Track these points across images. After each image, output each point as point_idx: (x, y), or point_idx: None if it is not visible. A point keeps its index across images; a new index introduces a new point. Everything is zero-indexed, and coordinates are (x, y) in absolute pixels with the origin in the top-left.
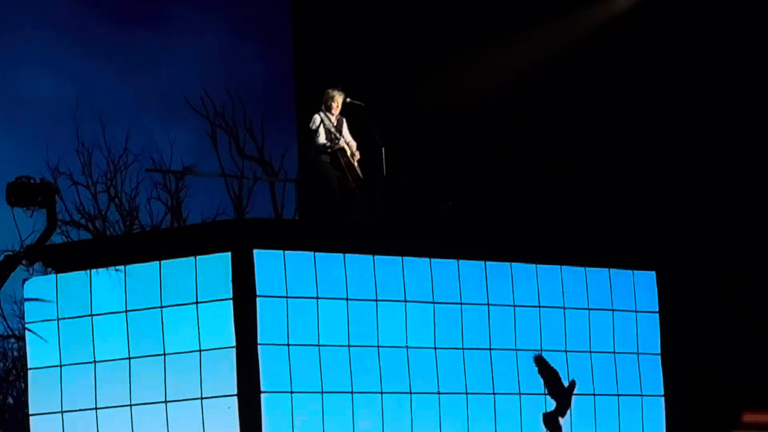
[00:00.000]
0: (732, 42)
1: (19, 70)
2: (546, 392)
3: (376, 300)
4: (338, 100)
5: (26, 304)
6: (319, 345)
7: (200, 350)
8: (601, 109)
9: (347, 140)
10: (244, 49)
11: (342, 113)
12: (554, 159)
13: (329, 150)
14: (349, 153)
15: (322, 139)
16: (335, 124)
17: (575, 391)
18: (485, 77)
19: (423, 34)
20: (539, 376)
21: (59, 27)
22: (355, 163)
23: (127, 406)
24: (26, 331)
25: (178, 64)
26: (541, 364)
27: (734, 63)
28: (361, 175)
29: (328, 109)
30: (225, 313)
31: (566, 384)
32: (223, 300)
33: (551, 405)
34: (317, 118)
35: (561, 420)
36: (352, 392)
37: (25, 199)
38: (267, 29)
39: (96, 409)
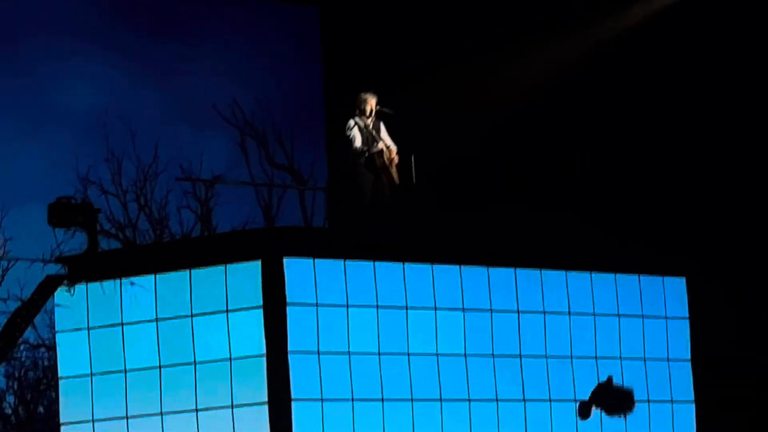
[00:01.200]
0: (753, 46)
1: (48, 80)
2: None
3: (407, 307)
4: (371, 102)
5: (56, 313)
6: (349, 353)
7: (231, 358)
8: (632, 115)
9: (387, 143)
10: (273, 58)
11: (377, 118)
12: (581, 165)
13: (366, 154)
14: (386, 156)
15: (358, 143)
16: (371, 127)
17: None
18: (514, 84)
19: (449, 42)
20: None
21: (89, 36)
22: (393, 167)
23: (157, 414)
24: (57, 341)
25: (207, 73)
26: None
27: (760, 64)
28: (397, 179)
29: (362, 113)
30: (255, 322)
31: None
32: (253, 308)
33: None
34: (352, 122)
35: (593, 409)
36: (382, 399)
37: (66, 219)
38: (296, 38)
39: (127, 418)
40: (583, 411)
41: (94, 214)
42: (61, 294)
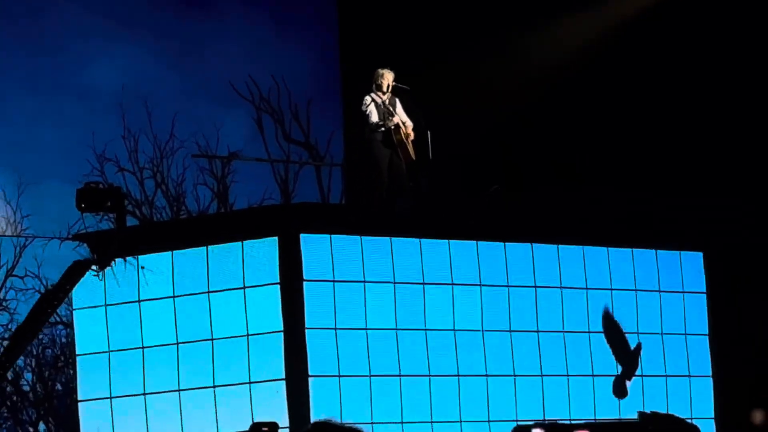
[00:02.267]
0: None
1: (67, 58)
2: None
3: (423, 283)
4: (388, 77)
5: (74, 290)
6: (366, 329)
7: (248, 335)
8: (652, 85)
9: (403, 119)
10: (289, 34)
11: (393, 94)
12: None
13: (383, 128)
14: (402, 132)
15: (374, 117)
16: (387, 102)
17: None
18: (526, 65)
19: (466, 20)
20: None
21: (107, 14)
22: (409, 143)
23: (175, 391)
24: (74, 318)
25: (224, 49)
26: (608, 320)
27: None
28: (413, 155)
29: (378, 88)
30: (272, 298)
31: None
32: (270, 284)
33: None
34: (368, 98)
35: (628, 383)
36: (399, 375)
37: (94, 204)
38: (313, 13)
39: (144, 394)
40: (619, 389)
41: (122, 198)
42: (88, 277)
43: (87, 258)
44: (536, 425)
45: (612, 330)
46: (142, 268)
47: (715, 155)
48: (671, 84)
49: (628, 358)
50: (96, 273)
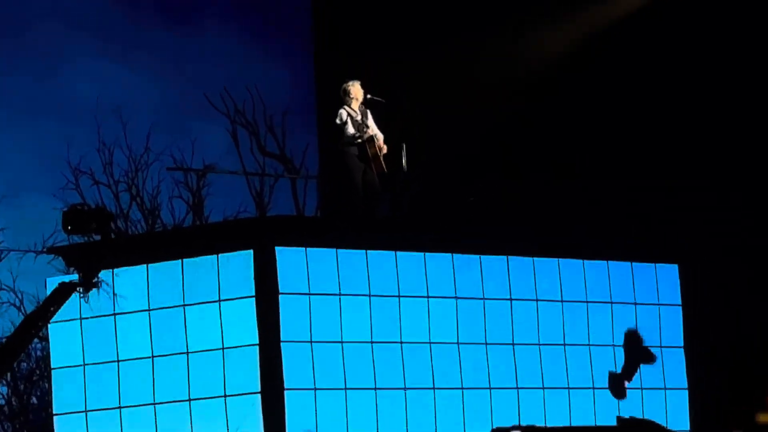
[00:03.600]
0: (751, 37)
1: (41, 69)
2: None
3: (399, 296)
4: (355, 90)
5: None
6: (342, 342)
7: (223, 348)
8: (625, 101)
9: (374, 132)
10: (264, 47)
11: (365, 106)
12: (573, 152)
13: (359, 140)
14: (376, 144)
15: (351, 129)
16: (359, 115)
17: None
18: (504, 68)
19: (440, 28)
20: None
21: (81, 26)
22: (381, 156)
23: (150, 404)
24: (49, 331)
25: (199, 62)
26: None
27: (759, 53)
28: (385, 168)
29: (349, 102)
30: (248, 311)
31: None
32: (245, 298)
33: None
34: (343, 112)
35: (626, 383)
36: (375, 388)
37: (80, 226)
38: (287, 27)
39: (120, 408)
40: (617, 390)
41: (108, 220)
42: (53, 284)
43: (73, 281)
44: (515, 427)
45: (635, 346)
46: (115, 295)
47: (691, 169)
48: (651, 94)
49: (632, 360)
50: (82, 295)
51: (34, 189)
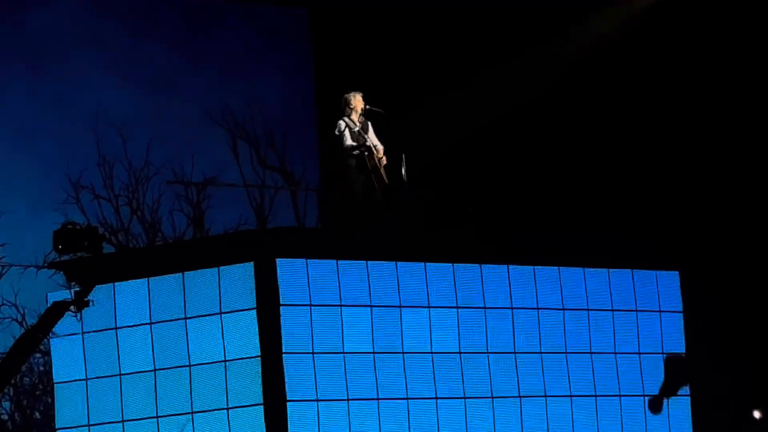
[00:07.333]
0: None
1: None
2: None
3: (400, 306)
4: (355, 101)
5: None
6: (343, 352)
7: (225, 360)
8: (625, 106)
9: (374, 143)
10: (265, 60)
11: (365, 117)
12: (573, 161)
13: (357, 152)
14: (376, 156)
15: (349, 141)
16: (359, 126)
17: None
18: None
19: (438, 45)
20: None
21: (81, 40)
22: (382, 167)
23: (153, 418)
24: (51, 346)
25: (199, 76)
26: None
27: (759, 58)
28: (386, 179)
29: (349, 113)
30: (249, 323)
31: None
32: (247, 310)
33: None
34: (342, 123)
35: (666, 400)
36: (377, 399)
37: (72, 245)
38: (286, 40)
39: (123, 421)
40: (655, 405)
41: (99, 239)
42: (54, 299)
43: (66, 299)
44: None
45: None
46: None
47: (690, 176)
48: (640, 107)
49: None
50: (74, 314)
51: (34, 204)
